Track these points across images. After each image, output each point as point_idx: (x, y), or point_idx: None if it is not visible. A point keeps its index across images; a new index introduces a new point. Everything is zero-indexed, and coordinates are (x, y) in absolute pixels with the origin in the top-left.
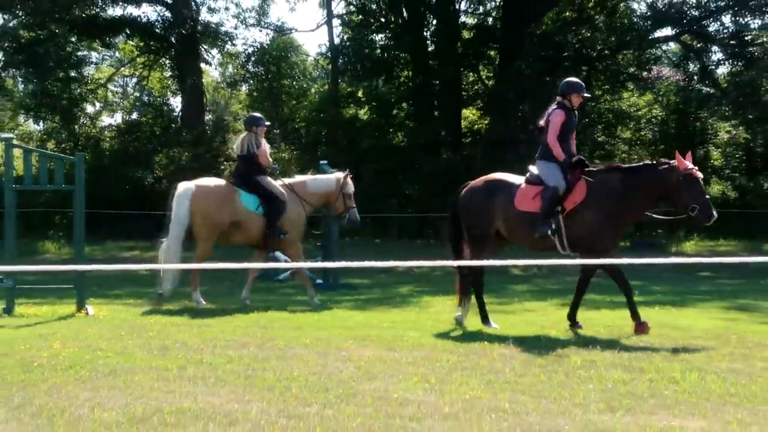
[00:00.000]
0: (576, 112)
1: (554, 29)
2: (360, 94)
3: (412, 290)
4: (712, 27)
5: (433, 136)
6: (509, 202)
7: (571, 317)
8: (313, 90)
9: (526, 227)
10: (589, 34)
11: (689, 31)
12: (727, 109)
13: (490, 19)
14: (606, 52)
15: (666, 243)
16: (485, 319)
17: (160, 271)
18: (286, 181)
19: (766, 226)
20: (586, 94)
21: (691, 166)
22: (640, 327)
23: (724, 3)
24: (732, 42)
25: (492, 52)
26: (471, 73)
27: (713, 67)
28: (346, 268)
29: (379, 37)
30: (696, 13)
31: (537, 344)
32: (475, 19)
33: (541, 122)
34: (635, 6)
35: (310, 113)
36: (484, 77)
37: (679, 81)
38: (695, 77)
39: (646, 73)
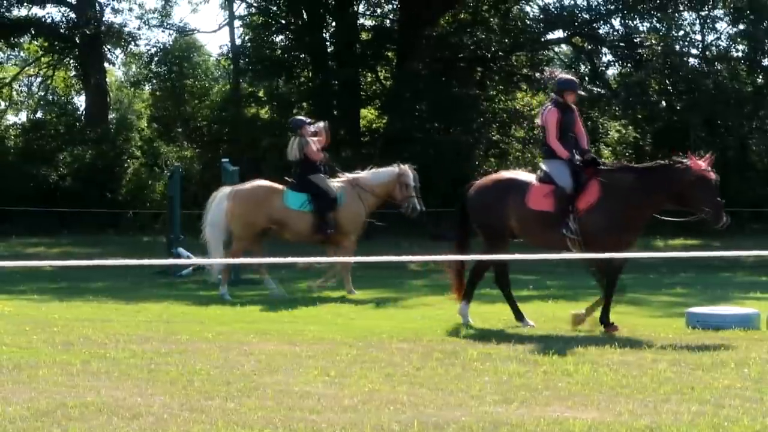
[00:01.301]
0: (574, 107)
1: (450, 31)
2: (261, 93)
3: (311, 285)
4: (603, 30)
5: (332, 135)
6: (522, 201)
7: (604, 320)
8: (215, 90)
9: (540, 226)
10: (483, 36)
11: (580, 34)
12: (617, 109)
13: (388, 21)
14: (500, 53)
15: None
16: (519, 317)
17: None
18: (349, 176)
19: (656, 221)
20: (581, 92)
21: (705, 166)
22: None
23: (613, 6)
24: (621, 44)
25: (390, 53)
26: (369, 74)
27: (603, 68)
28: (248, 264)
29: (279, 38)
30: (587, 16)
31: (434, 337)
32: (373, 21)
33: (538, 121)
34: (528, 9)
35: (212, 112)
36: (382, 78)
37: None
38: (586, 78)
39: (539, 74)
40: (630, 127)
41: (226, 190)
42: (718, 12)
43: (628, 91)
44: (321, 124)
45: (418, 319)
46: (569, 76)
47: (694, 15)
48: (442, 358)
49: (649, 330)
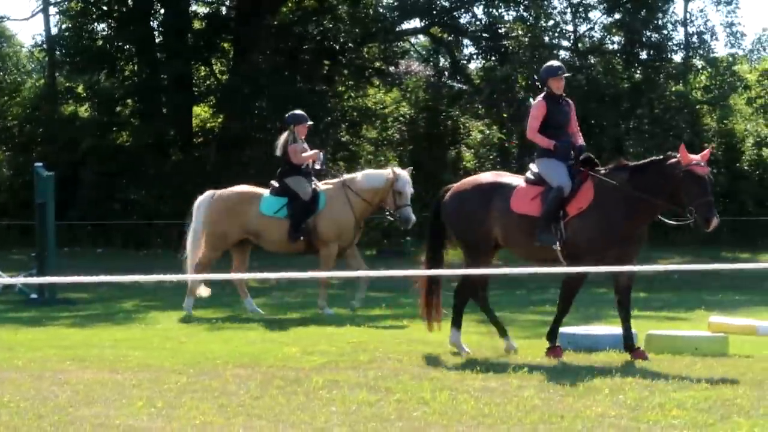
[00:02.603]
0: (567, 99)
1: (294, 20)
2: (80, 89)
3: (137, 305)
4: (464, 19)
5: (161, 135)
6: (506, 205)
7: (628, 346)
8: (27, 85)
9: (525, 234)
10: (331, 26)
11: (439, 23)
12: (480, 106)
13: (224, 9)
14: (350, 44)
15: (414, 251)
16: (456, 338)
17: (188, 283)
18: (343, 177)
19: None
20: (566, 74)
21: (696, 160)
22: (552, 351)
23: None
24: (485, 35)
25: (226, 45)
26: (203, 67)
27: (465, 61)
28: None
29: (101, 27)
30: (446, 4)
31: (275, 363)
32: (207, 9)
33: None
34: None
35: (25, 110)
36: (217, 72)
37: (429, 77)
38: (446, 72)
39: (393, 67)
40: (494, 127)
41: (208, 194)
42: (592, 0)
43: (492, 87)
44: (320, 153)
45: (257, 342)
46: (552, 62)
47: (564, 3)
48: (283, 386)
49: (515, 354)
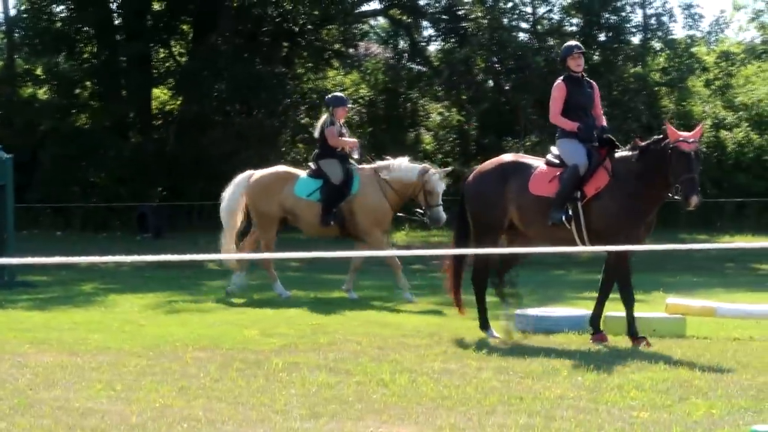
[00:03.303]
0: (590, 80)
1: (253, 2)
2: (39, 71)
3: (96, 288)
4: (423, 1)
5: (120, 117)
6: (524, 186)
7: (594, 325)
8: None
9: (541, 215)
10: (290, 8)
11: (398, 5)
12: (439, 89)
13: None
14: (309, 26)
15: None
16: (485, 326)
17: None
18: (379, 163)
19: None
20: (581, 51)
21: (683, 137)
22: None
23: None
24: (444, 17)
25: (185, 26)
26: (162, 49)
27: (424, 44)
28: (23, 264)
29: (59, 9)
30: None
31: (235, 345)
32: None
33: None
34: None
35: None
36: (176, 54)
37: (389, 59)
38: (405, 55)
39: (352, 50)
40: (453, 109)
41: (246, 174)
42: None
43: (451, 69)
44: (355, 142)
45: (216, 324)
46: (570, 42)
47: None
48: (243, 369)
49: (474, 335)
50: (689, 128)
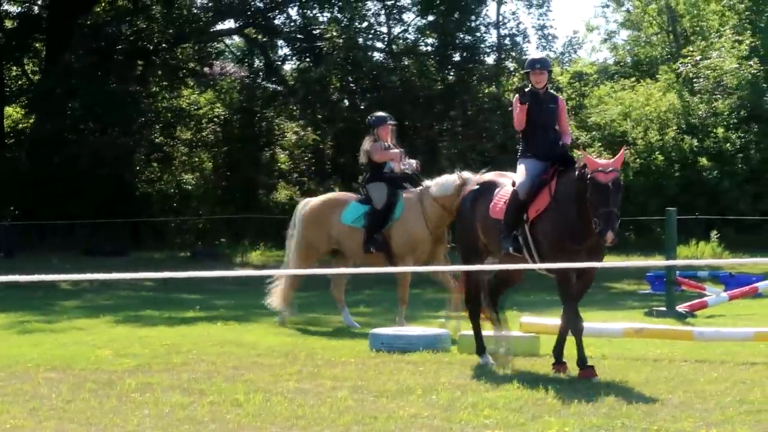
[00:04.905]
0: (553, 93)
1: (107, 20)
2: None
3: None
4: (278, 20)
5: None
6: (486, 209)
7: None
8: None
9: (498, 240)
10: (145, 26)
11: (254, 24)
12: (294, 108)
13: (36, 8)
14: (164, 45)
15: (230, 253)
16: (480, 351)
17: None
18: (424, 185)
19: None
20: (542, 67)
21: (601, 166)
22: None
23: None
24: (299, 36)
25: (38, 44)
26: (14, 67)
27: (279, 62)
28: None
29: None
30: (261, 5)
31: (87, 366)
32: (19, 7)
33: None
34: None
35: None
36: (29, 71)
37: (244, 78)
38: (261, 73)
39: (207, 68)
40: (309, 129)
41: (303, 202)
42: (406, 2)
43: (306, 89)
44: (398, 153)
45: (69, 344)
46: (534, 56)
47: (379, 5)
48: (95, 389)
49: (329, 353)
50: None
